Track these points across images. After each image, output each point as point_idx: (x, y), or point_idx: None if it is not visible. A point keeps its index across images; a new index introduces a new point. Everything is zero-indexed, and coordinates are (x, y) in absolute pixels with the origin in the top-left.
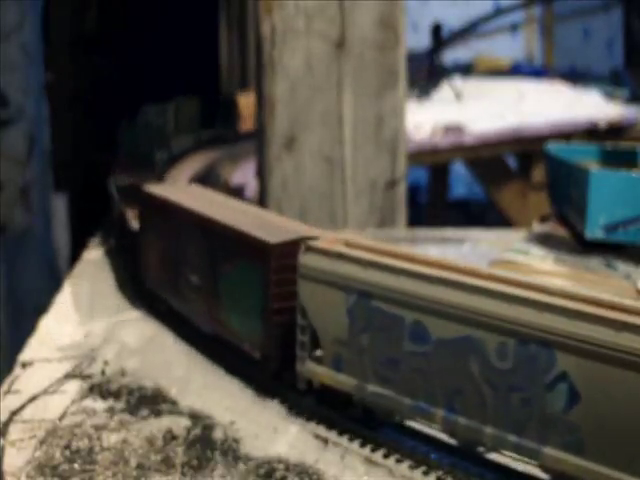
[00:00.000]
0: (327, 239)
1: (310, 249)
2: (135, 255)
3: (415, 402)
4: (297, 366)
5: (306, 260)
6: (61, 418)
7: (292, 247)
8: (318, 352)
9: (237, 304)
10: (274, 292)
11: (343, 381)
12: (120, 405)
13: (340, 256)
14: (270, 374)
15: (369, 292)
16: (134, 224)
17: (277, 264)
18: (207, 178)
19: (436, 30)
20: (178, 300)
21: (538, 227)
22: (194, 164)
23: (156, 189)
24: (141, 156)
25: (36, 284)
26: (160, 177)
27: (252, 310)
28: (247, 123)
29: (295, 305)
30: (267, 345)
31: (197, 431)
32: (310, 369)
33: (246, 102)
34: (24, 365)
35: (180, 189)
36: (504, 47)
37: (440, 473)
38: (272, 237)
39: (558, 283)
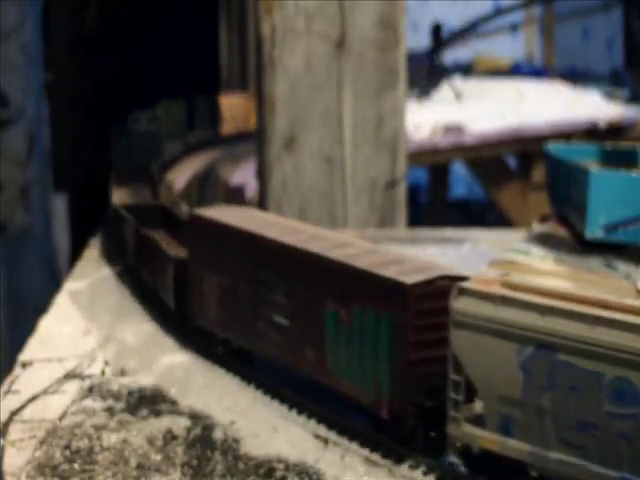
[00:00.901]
0: (479, 279)
1: (464, 292)
2: (180, 288)
3: (618, 473)
4: (449, 429)
5: (461, 305)
6: (61, 418)
7: (431, 287)
8: (472, 409)
9: (352, 352)
10: (413, 340)
11: (514, 447)
12: (120, 405)
13: (505, 300)
14: (403, 436)
15: (552, 343)
16: (171, 252)
17: (417, 308)
18: (207, 178)
19: (436, 30)
20: (252, 341)
21: (538, 227)
22: (194, 164)
23: (214, 214)
24: (137, 167)
25: (36, 284)
26: (159, 183)
27: (376, 360)
28: (229, 125)
29: (436, 356)
30: (400, 402)
31: (197, 431)
32: (467, 432)
33: (228, 103)
34: (24, 365)
35: (245, 215)
36: (504, 47)
37: (440, 473)
38: (406, 276)
39: (558, 283)
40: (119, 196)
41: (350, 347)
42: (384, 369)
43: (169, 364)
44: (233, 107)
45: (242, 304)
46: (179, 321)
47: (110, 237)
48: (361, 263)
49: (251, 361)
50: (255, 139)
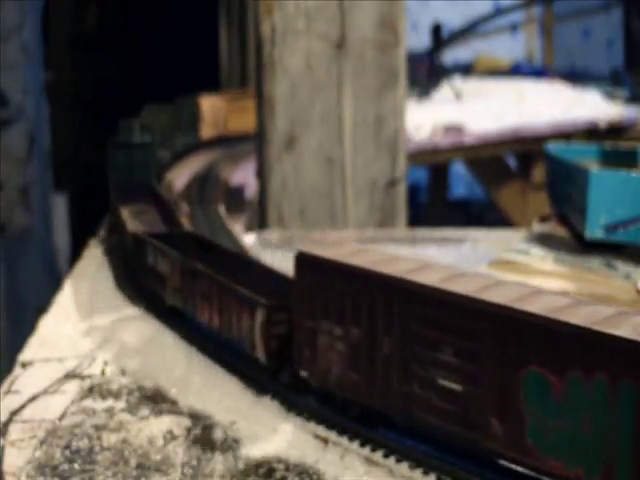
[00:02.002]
0: None
1: None
2: (273, 339)
3: None
4: None
5: None
6: (61, 418)
7: None
8: None
9: (568, 425)
10: None
11: None
12: (120, 405)
13: None
14: None
15: None
16: (256, 296)
17: None
18: (207, 179)
19: (436, 30)
20: (398, 407)
21: (538, 227)
22: (193, 165)
23: (333, 253)
24: (142, 187)
25: (36, 284)
26: (175, 207)
27: (608, 438)
28: (210, 129)
29: None
30: None
31: (197, 431)
32: None
33: (209, 105)
34: (24, 365)
35: (368, 254)
36: (504, 47)
37: (440, 473)
38: None
39: (558, 284)
40: (132, 222)
41: (564, 419)
42: (621, 450)
43: (169, 364)
44: (214, 109)
45: (384, 363)
46: (269, 376)
47: (124, 267)
48: (577, 319)
49: (385, 426)
50: (255, 139)
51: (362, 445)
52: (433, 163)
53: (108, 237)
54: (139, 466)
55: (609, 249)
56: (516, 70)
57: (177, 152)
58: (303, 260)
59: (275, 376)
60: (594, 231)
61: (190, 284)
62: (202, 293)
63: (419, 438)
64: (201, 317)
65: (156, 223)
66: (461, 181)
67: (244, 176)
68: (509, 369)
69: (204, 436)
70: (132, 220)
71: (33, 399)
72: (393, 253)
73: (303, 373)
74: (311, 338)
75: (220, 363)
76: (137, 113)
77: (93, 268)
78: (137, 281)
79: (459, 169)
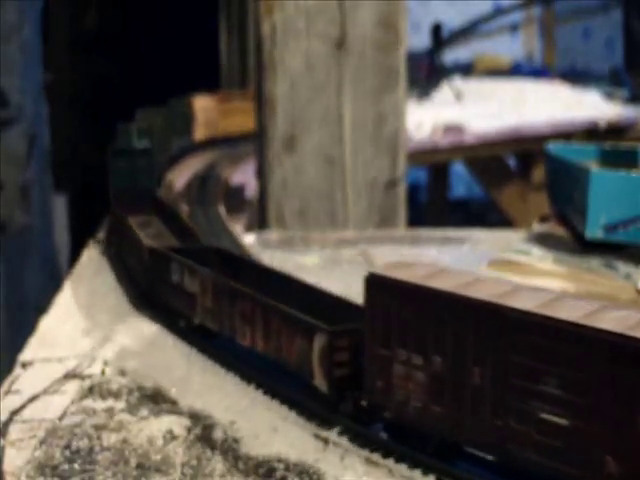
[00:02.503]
0: None
1: None
2: (336, 366)
3: None
4: None
5: None
6: (61, 418)
7: None
8: None
9: None
10: None
11: None
12: (120, 405)
13: None
14: None
15: None
16: (313, 320)
17: None
18: (207, 178)
19: (436, 30)
20: (489, 442)
21: (538, 227)
22: (193, 165)
23: (409, 275)
24: (140, 191)
25: (36, 284)
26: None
27: None
28: (203, 130)
29: None
30: None
31: (197, 431)
32: None
33: (202, 105)
34: (24, 365)
35: (450, 276)
36: (504, 47)
37: (440, 473)
38: None
39: (558, 284)
40: (145, 235)
41: None
42: None
43: (169, 364)
44: (206, 110)
45: (474, 395)
46: (330, 407)
47: (141, 283)
48: None
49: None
50: (255, 139)
51: (362, 445)
52: (433, 163)
53: (108, 239)
54: (139, 466)
55: (609, 249)
56: (516, 70)
57: (173, 155)
58: (375, 282)
59: (336, 406)
60: (594, 231)
61: (226, 304)
62: (242, 314)
63: (508, 473)
64: (241, 340)
65: (167, 235)
66: (461, 181)
67: (244, 176)
68: (625, 401)
69: (204, 436)
70: (143, 232)
71: (33, 399)
72: (474, 274)
73: (374, 404)
74: (385, 367)
75: (220, 363)
76: (136, 115)
77: (93, 268)
78: (156, 298)
79: (459, 169)
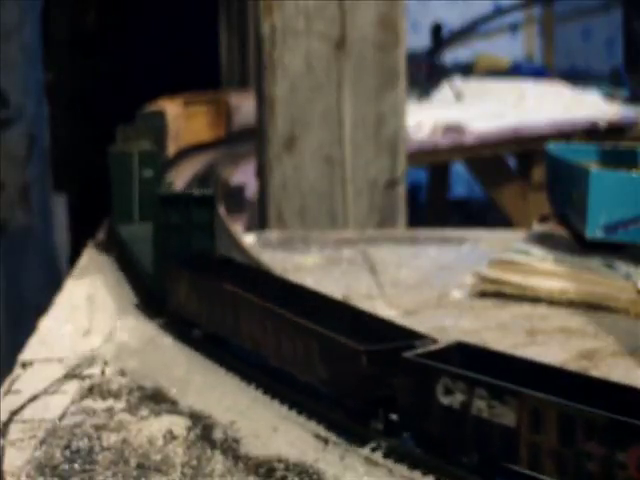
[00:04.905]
0: None
1: None
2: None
3: None
4: None
5: None
6: (61, 418)
7: None
8: None
9: None
10: None
11: None
12: (120, 405)
13: None
14: None
15: None
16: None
17: None
18: (207, 178)
19: (436, 30)
20: None
21: (538, 227)
22: (193, 164)
23: None
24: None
25: (36, 284)
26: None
27: None
28: (178, 140)
29: None
30: None
31: (197, 431)
32: None
33: (175, 112)
34: (24, 365)
35: None
36: (504, 47)
37: (440, 473)
38: None
39: (558, 284)
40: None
41: None
42: None
43: (169, 364)
44: (176, 119)
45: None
46: (361, 424)
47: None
48: None
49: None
50: (255, 139)
51: (362, 445)
52: (433, 163)
53: (107, 241)
54: (139, 466)
55: (609, 249)
56: (516, 70)
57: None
58: None
59: (367, 423)
60: (594, 231)
61: (245, 317)
62: (262, 328)
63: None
64: (265, 354)
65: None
66: (461, 181)
67: (244, 176)
68: None
69: (204, 436)
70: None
71: (33, 399)
72: None
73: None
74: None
75: (220, 363)
76: (135, 117)
77: (93, 268)
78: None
79: (459, 169)
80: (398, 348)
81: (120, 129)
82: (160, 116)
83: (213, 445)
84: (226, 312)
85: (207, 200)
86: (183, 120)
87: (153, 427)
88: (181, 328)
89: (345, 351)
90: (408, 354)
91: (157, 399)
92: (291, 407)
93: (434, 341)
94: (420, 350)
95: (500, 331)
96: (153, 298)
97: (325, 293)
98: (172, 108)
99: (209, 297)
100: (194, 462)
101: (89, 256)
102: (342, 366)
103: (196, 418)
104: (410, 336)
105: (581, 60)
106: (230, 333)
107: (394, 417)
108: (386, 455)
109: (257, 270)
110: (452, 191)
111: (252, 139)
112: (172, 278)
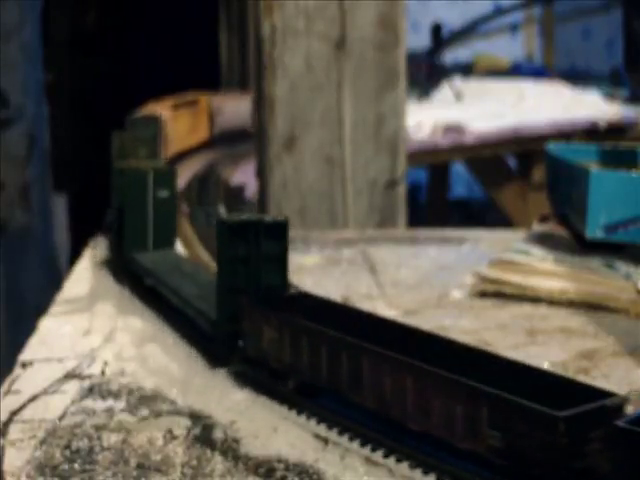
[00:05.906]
0: None
1: None
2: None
3: None
4: None
5: None
6: (61, 418)
7: None
8: None
9: None
10: None
11: None
12: (120, 405)
13: None
14: None
15: None
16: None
17: None
18: (207, 178)
19: (436, 30)
20: None
21: (538, 227)
22: (193, 164)
23: None
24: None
25: (36, 284)
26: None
27: None
28: (174, 145)
29: None
30: None
31: (197, 431)
32: None
33: (171, 116)
34: (24, 365)
35: None
36: (504, 47)
37: (440, 473)
38: None
39: (558, 284)
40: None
41: None
42: None
43: (169, 364)
44: (167, 123)
45: None
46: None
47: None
48: None
49: None
50: (255, 139)
51: (362, 445)
52: (433, 163)
53: (114, 264)
54: (139, 466)
55: (609, 249)
56: (516, 70)
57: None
58: None
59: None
60: (594, 231)
61: (369, 370)
62: (399, 385)
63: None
64: (399, 416)
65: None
66: (461, 181)
67: (244, 176)
68: None
69: (204, 436)
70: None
71: (33, 399)
72: None
73: None
74: None
75: (220, 363)
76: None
77: (93, 268)
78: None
79: (459, 169)
80: (594, 412)
81: (115, 135)
82: (154, 121)
83: (213, 445)
84: (335, 362)
85: (279, 227)
86: (172, 124)
87: (153, 427)
88: (266, 378)
89: (531, 417)
90: (622, 423)
91: (157, 399)
92: (291, 407)
93: (624, 399)
94: (631, 416)
95: (500, 331)
96: (211, 341)
97: (441, 335)
98: (164, 112)
99: (311, 344)
100: (194, 462)
101: (89, 256)
102: (527, 434)
103: (196, 418)
104: (591, 394)
105: (581, 60)
106: (345, 388)
107: None
108: (386, 455)
109: (347, 308)
110: (452, 191)
111: (236, 143)
112: (251, 319)
